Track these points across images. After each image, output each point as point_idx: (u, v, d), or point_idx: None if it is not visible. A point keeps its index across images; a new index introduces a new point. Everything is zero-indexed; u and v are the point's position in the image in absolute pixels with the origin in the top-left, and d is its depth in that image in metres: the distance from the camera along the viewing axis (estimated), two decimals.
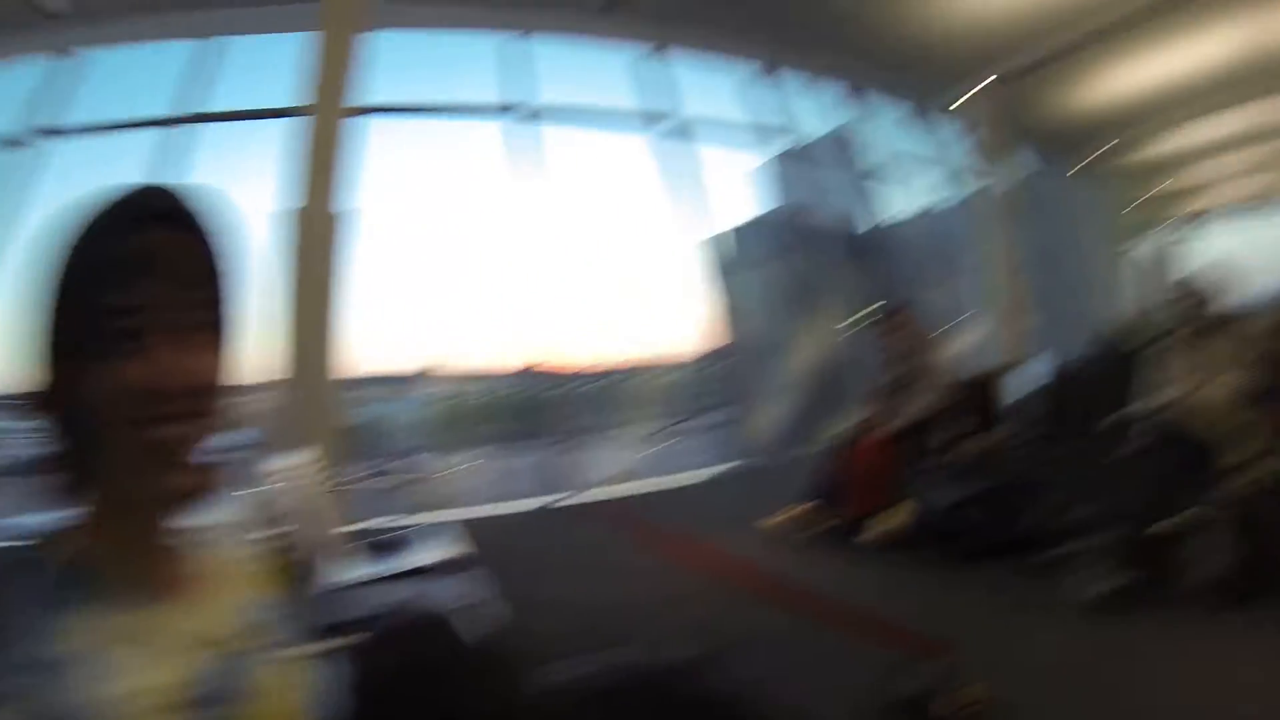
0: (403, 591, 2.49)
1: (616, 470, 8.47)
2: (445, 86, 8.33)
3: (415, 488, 8.96)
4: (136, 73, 7.91)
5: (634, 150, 9.37)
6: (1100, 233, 18.16)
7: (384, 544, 3.35)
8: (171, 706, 0.70)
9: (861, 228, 13.02)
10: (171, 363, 0.72)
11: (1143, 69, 11.71)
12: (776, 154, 10.89)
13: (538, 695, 1.19)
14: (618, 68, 9.35)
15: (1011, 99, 11.59)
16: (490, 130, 8.32)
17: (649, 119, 9.33)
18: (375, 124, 7.31)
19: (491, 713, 1.11)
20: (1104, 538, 3.62)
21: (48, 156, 6.97)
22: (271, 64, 7.67)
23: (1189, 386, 3.91)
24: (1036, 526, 4.06)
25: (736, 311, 11.59)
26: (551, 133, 8.55)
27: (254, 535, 1.43)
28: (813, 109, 11.88)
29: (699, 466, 8.60)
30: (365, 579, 2.75)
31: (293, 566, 2.54)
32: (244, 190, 7.67)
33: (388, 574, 2.75)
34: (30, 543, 0.72)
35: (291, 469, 3.08)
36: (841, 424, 5.20)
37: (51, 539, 0.73)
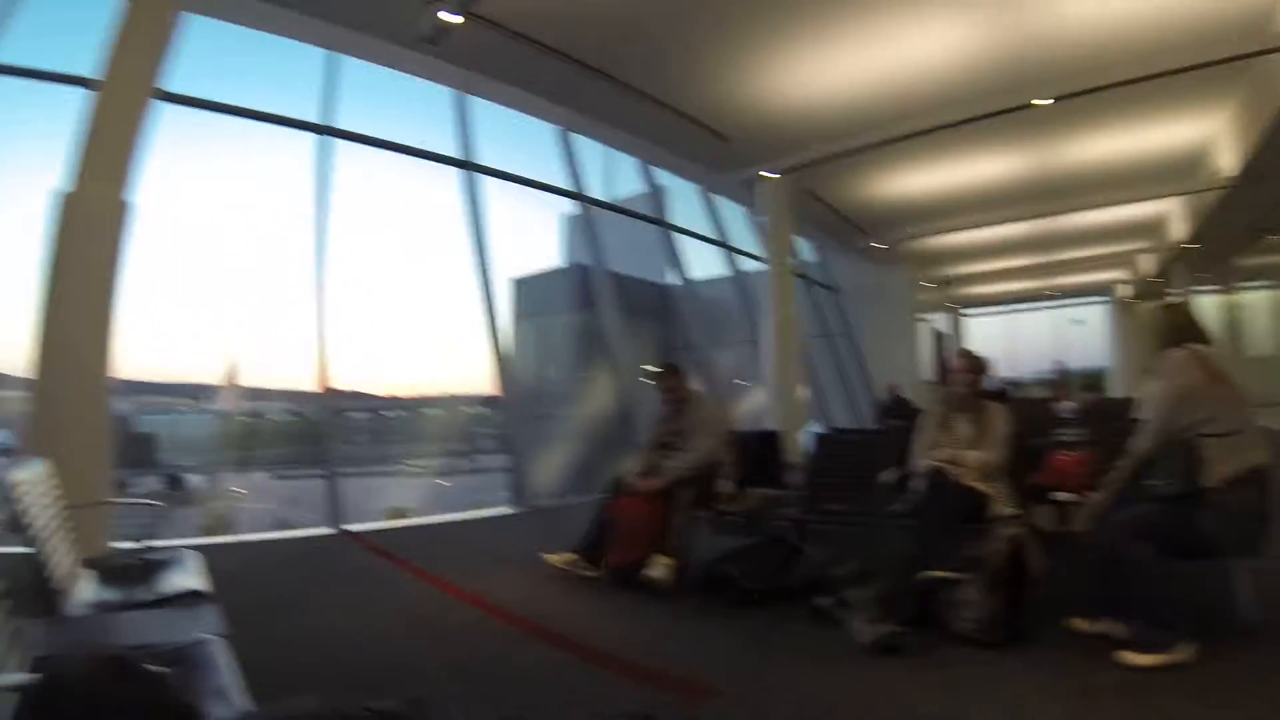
0: (138, 622, 2.43)
1: (396, 502, 8.36)
2: (264, 93, 7.97)
3: (187, 508, 8.49)
4: None
5: (442, 187, 9.38)
6: (888, 309, 19.35)
7: (132, 568, 3.21)
8: None
9: (655, 287, 13.53)
10: None
11: (936, 175, 12.98)
12: (576, 209, 11.17)
13: None
14: (433, 104, 9.41)
15: (802, 186, 12.48)
16: (301, 145, 8.07)
17: (459, 159, 9.44)
18: (185, 117, 7.01)
19: None
20: (872, 588, 3.82)
21: None
22: (73, 25, 7.03)
23: (951, 453, 4.21)
24: (803, 577, 4.26)
25: (526, 356, 11.67)
26: (360, 157, 8.49)
27: None
28: (616, 171, 12.38)
29: (479, 505, 8.63)
30: (100, 607, 2.65)
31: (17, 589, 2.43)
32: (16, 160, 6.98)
33: (124, 603, 2.66)
34: None
35: (33, 481, 2.92)
36: (616, 473, 5.28)
37: None
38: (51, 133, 5.70)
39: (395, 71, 8.83)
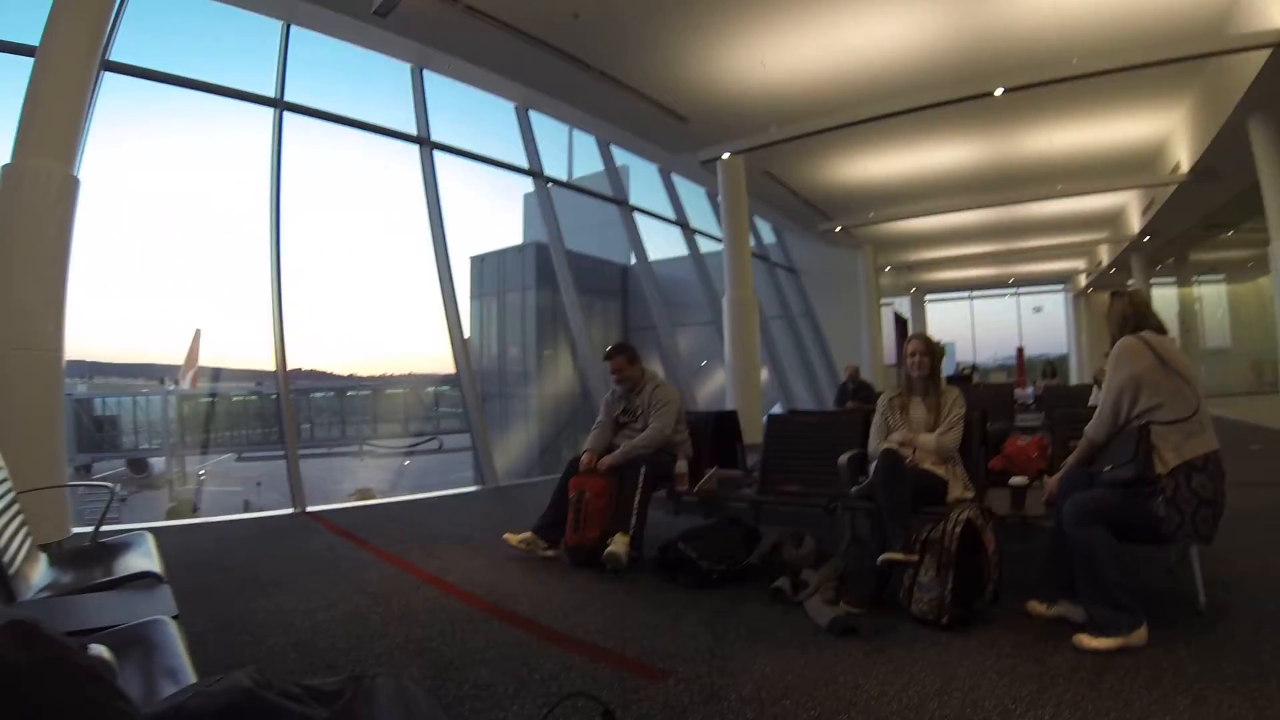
0: (90, 605, 2.39)
1: (358, 483, 8.32)
2: (219, 66, 7.82)
3: (151, 491, 8.40)
4: None
5: (403, 162, 9.32)
6: (849, 293, 19.48)
7: (87, 551, 3.17)
8: None
9: (615, 266, 13.53)
10: None
11: (896, 161, 13.09)
12: (538, 187, 11.13)
13: None
14: (391, 80, 9.32)
15: (761, 169, 12.53)
16: (259, 120, 7.96)
17: (418, 135, 9.36)
18: (138, 90, 6.87)
19: None
20: (829, 569, 3.91)
21: None
22: None
23: (908, 436, 4.25)
24: (760, 559, 4.29)
25: (487, 335, 11.65)
26: (317, 134, 8.40)
27: None
28: (577, 150, 12.36)
29: (440, 485, 8.60)
30: (53, 590, 2.61)
31: None
32: None
33: (77, 586, 2.62)
34: None
35: None
36: (575, 452, 5.28)
37: None
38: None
39: (351, 45, 8.73)
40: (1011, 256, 21.85)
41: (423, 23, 7.97)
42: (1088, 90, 9.63)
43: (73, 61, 5.26)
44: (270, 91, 7.98)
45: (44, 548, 3.06)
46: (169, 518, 6.57)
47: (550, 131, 11.55)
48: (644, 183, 14.05)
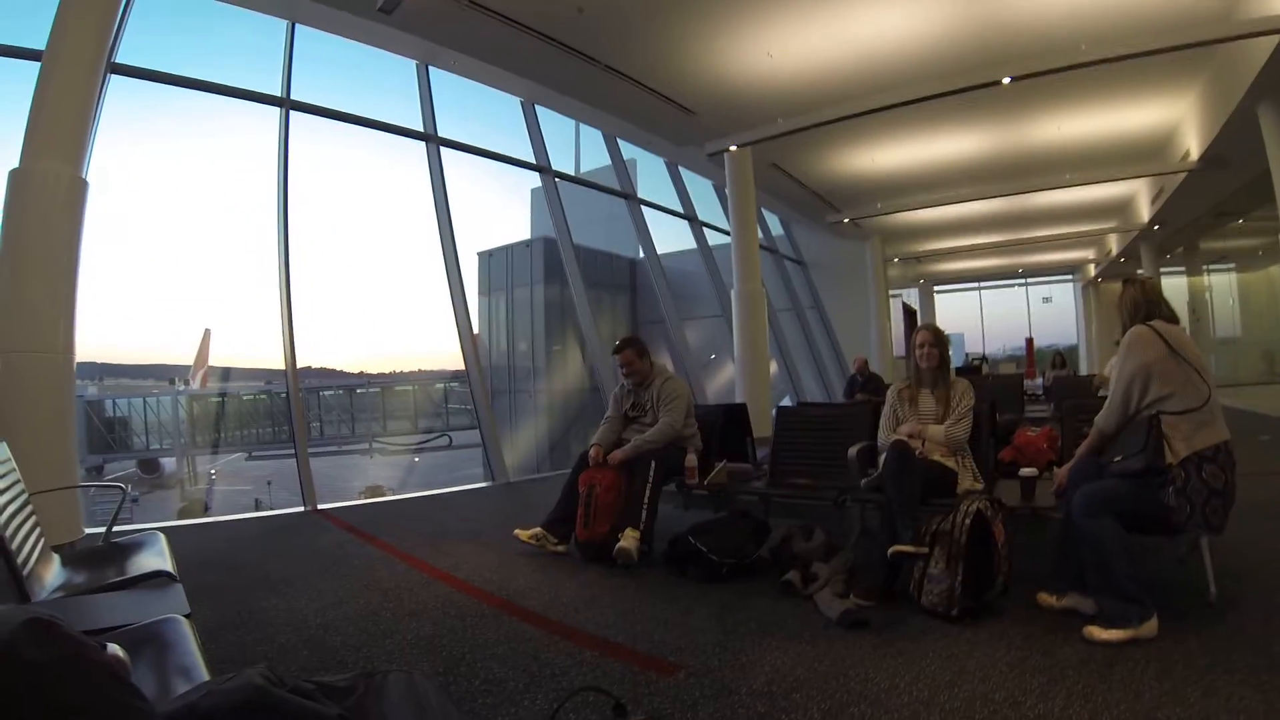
0: (103, 605, 2.41)
1: (368, 480, 8.34)
2: (224, 67, 7.84)
3: (163, 491, 8.43)
4: None
5: (410, 159, 9.34)
6: (858, 284, 19.43)
7: (100, 551, 3.19)
8: None
9: (623, 260, 13.51)
10: None
11: (905, 151, 13.04)
12: (545, 182, 11.13)
13: None
14: (395, 75, 9.33)
15: (769, 161, 12.49)
16: (266, 120, 7.98)
17: (424, 131, 9.37)
18: (145, 91, 6.88)
19: None
20: (839, 562, 3.93)
21: None
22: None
23: (916, 428, 4.22)
24: (770, 552, 4.29)
25: (495, 331, 11.65)
26: (325, 133, 8.41)
27: None
28: (584, 144, 12.35)
29: (450, 481, 8.62)
30: (66, 591, 2.63)
31: None
32: None
33: (90, 586, 2.64)
34: None
35: None
36: (585, 448, 5.27)
37: None
38: (7, 110, 5.56)
39: (356, 43, 8.75)
40: (1020, 247, 21.74)
41: (427, 19, 7.98)
42: (1096, 78, 9.57)
43: (79, 65, 5.28)
44: (276, 90, 8.00)
45: (57, 549, 3.09)
46: (180, 517, 6.61)
47: (557, 126, 11.58)
48: (651, 176, 14.06)
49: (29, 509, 2.88)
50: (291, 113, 8.00)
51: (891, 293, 21.88)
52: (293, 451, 7.30)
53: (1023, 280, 28.09)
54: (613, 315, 14.89)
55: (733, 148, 11.59)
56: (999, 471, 4.49)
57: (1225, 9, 8.25)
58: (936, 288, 28.63)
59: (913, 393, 4.42)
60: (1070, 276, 28.25)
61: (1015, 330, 28.43)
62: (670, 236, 14.08)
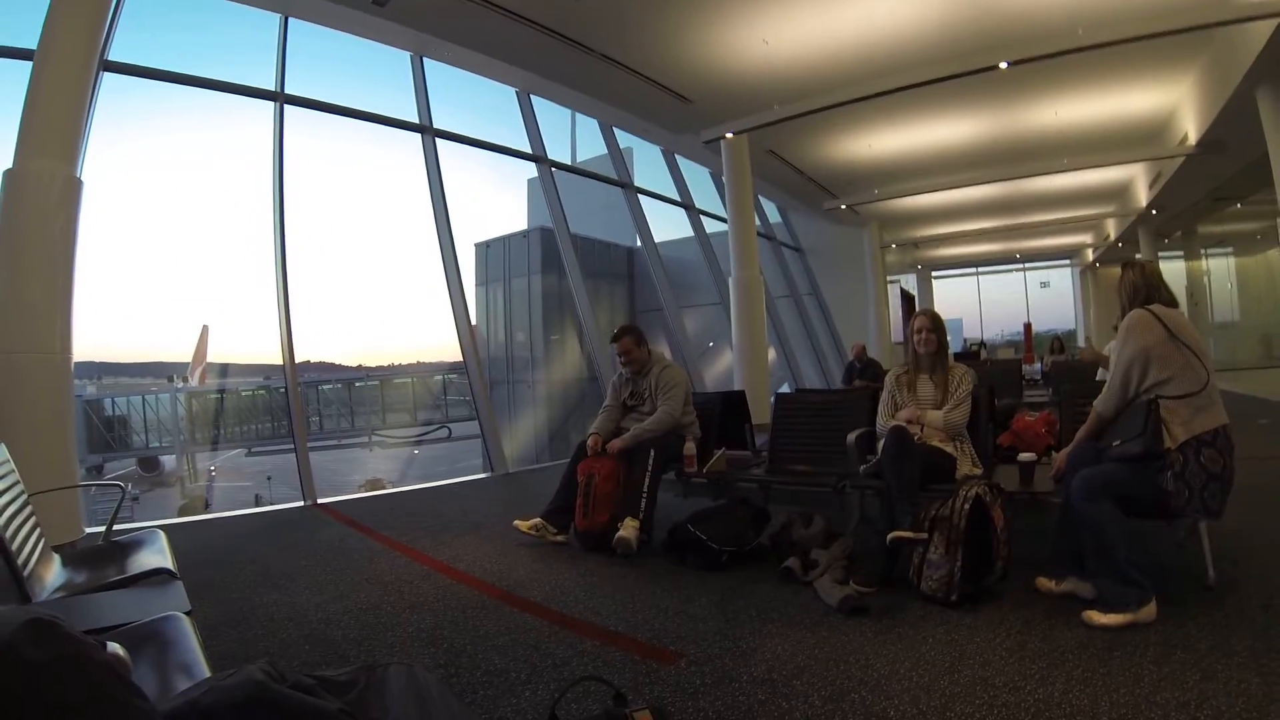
0: (104, 603, 2.41)
1: (367, 474, 8.34)
2: (217, 61, 7.81)
3: (164, 489, 8.44)
4: None
5: (405, 151, 9.32)
6: (856, 270, 19.43)
7: (100, 550, 3.19)
8: None
9: (620, 249, 13.48)
10: None
11: (901, 137, 13.01)
12: (541, 172, 11.11)
13: None
14: (389, 67, 9.30)
15: (765, 147, 12.46)
16: (262, 114, 7.95)
17: (419, 123, 9.35)
18: (138, 88, 6.85)
19: None
20: (839, 549, 3.93)
21: None
22: None
23: (915, 413, 4.21)
24: (769, 539, 4.29)
25: (494, 321, 11.65)
26: (319, 126, 8.38)
27: None
28: (579, 133, 12.31)
29: (449, 472, 8.62)
30: (67, 590, 2.63)
31: None
32: None
33: (91, 585, 2.64)
34: None
35: None
36: (584, 437, 5.26)
37: None
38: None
39: (349, 35, 8.72)
40: (1018, 231, 21.73)
41: (421, 10, 7.96)
42: (1094, 62, 9.54)
43: (71, 62, 5.24)
44: (270, 85, 7.96)
45: (57, 549, 3.09)
46: (181, 515, 6.61)
47: (552, 116, 11.54)
48: (648, 164, 14.04)
49: (29, 510, 2.88)
50: (286, 107, 7.95)
51: (889, 279, 21.87)
52: (292, 446, 7.30)
53: (1021, 265, 28.08)
54: (611, 304, 14.88)
55: (729, 135, 11.57)
56: (998, 456, 4.50)
57: None
58: (934, 273, 28.63)
59: (911, 378, 4.41)
60: (1068, 261, 28.25)
61: (1014, 315, 28.48)
62: (667, 225, 14.09)
